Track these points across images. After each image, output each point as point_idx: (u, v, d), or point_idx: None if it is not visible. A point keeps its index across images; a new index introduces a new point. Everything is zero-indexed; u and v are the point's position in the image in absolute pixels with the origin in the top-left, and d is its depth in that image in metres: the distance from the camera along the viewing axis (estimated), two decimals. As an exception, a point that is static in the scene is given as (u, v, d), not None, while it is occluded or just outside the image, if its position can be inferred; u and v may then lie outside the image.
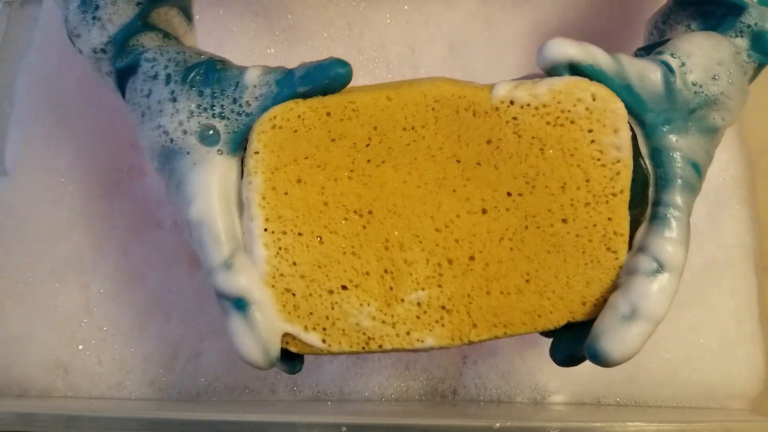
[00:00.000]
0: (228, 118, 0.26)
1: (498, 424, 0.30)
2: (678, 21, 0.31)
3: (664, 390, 0.37)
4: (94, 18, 0.28)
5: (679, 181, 0.26)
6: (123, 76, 0.28)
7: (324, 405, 0.36)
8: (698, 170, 0.26)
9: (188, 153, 0.26)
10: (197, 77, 0.27)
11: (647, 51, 0.29)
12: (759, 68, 0.29)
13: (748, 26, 0.28)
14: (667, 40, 0.29)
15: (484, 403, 0.37)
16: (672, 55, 0.27)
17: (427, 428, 0.31)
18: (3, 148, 0.40)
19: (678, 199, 0.26)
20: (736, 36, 0.28)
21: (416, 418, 0.33)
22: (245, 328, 0.25)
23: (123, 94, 0.29)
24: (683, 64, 0.27)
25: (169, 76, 0.27)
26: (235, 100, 0.26)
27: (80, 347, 0.37)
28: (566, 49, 0.26)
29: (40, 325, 0.37)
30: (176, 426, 0.31)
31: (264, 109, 0.26)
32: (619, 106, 0.26)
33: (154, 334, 0.37)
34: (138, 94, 0.28)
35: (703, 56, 0.27)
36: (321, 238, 0.26)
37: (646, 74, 0.26)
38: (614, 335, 0.25)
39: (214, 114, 0.26)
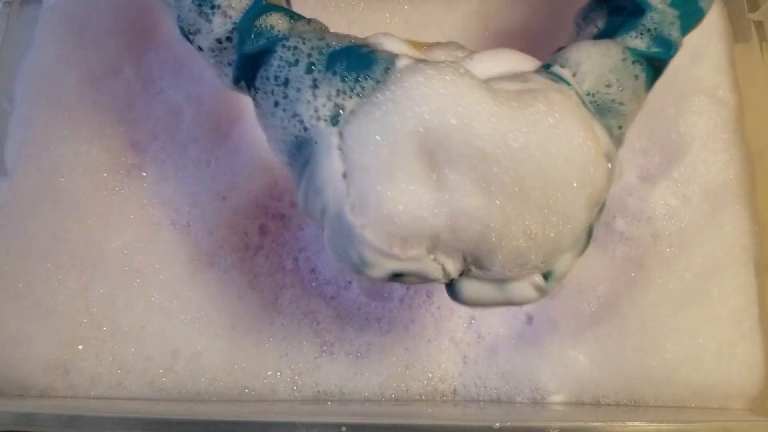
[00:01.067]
0: (363, 96, 0.25)
1: (498, 424, 0.30)
2: (592, 19, 0.30)
3: (663, 390, 0.37)
4: (212, 8, 0.27)
5: None
6: (253, 63, 0.27)
7: (324, 405, 0.36)
8: None
9: (316, 142, 0.25)
10: (342, 65, 0.25)
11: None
12: (657, 69, 0.29)
13: (648, 30, 0.28)
14: (559, 49, 0.28)
15: (484, 403, 0.37)
16: (562, 66, 0.27)
17: (427, 428, 0.31)
18: (3, 148, 0.40)
19: None
20: (637, 36, 0.28)
21: (416, 418, 0.33)
22: None
23: (248, 83, 0.28)
24: (575, 74, 0.27)
25: (311, 64, 0.26)
26: (378, 81, 0.25)
27: (80, 347, 0.37)
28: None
29: (39, 325, 0.37)
30: (177, 426, 0.31)
31: None
32: None
33: (154, 334, 0.37)
34: (272, 82, 0.26)
35: (593, 64, 0.27)
36: None
37: None
38: None
39: (351, 96, 0.25)
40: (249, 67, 0.27)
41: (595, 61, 0.27)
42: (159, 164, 0.40)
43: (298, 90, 0.26)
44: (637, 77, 0.28)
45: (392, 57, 0.26)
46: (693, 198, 0.39)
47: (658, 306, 0.37)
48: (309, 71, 0.26)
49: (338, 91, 0.25)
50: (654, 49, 0.28)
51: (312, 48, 0.26)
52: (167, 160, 0.40)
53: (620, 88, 0.27)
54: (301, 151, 0.26)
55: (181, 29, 0.28)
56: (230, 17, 0.27)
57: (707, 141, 0.40)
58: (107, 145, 0.40)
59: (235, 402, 0.36)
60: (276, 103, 0.26)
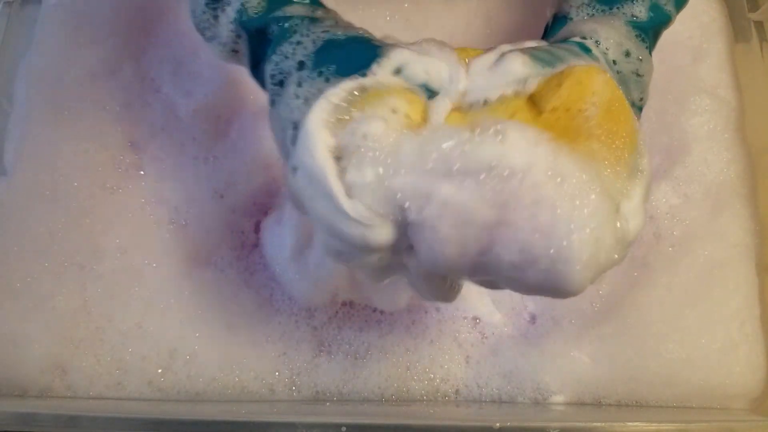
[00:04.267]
0: None
1: (498, 424, 0.30)
2: None
3: (665, 390, 0.37)
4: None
5: None
6: (259, 44, 0.28)
7: (324, 405, 0.36)
8: None
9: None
10: (327, 63, 0.25)
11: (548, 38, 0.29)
12: (656, 35, 0.29)
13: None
14: (562, 22, 0.28)
15: (485, 404, 0.37)
16: (583, 37, 0.27)
17: (427, 428, 0.31)
18: (2, 148, 0.40)
19: None
20: (636, 4, 0.28)
21: (416, 419, 0.33)
22: None
23: (256, 71, 0.28)
24: (597, 44, 0.26)
25: (302, 63, 0.26)
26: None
27: (78, 347, 0.37)
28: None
29: (38, 325, 0.37)
30: (177, 426, 0.31)
31: None
32: None
33: (152, 334, 0.37)
34: (270, 80, 0.27)
35: (608, 33, 0.27)
36: None
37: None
38: None
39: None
40: (256, 49, 0.28)
41: (609, 31, 0.27)
42: (157, 163, 0.40)
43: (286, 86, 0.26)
44: (647, 48, 0.28)
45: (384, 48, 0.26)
46: (694, 197, 0.39)
47: (661, 306, 0.37)
48: (300, 68, 0.26)
49: (320, 90, 0.25)
50: (652, 17, 0.28)
51: (312, 41, 0.26)
52: (165, 158, 0.40)
53: (639, 57, 0.27)
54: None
55: (195, 22, 0.29)
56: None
57: (708, 140, 0.40)
58: (106, 144, 0.40)
59: (234, 402, 0.36)
60: (273, 101, 0.26)
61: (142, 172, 0.40)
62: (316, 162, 0.23)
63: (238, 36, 0.29)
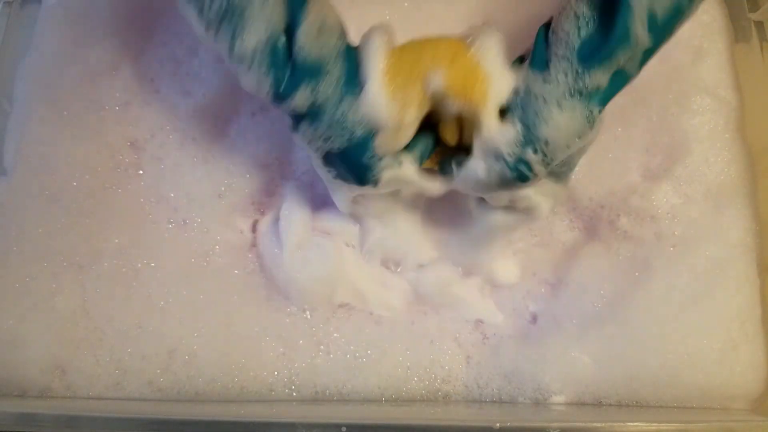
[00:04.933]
0: None
1: (498, 424, 0.30)
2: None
3: (665, 390, 0.36)
4: None
5: None
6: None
7: (324, 405, 0.36)
8: None
9: None
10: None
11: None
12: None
13: (618, 63, 0.28)
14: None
15: (486, 404, 0.37)
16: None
17: (427, 428, 0.31)
18: (2, 148, 0.40)
19: None
20: (603, 70, 0.28)
21: (416, 419, 0.33)
22: None
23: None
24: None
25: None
26: None
27: (77, 347, 0.37)
28: None
29: (37, 325, 0.37)
30: (177, 426, 0.31)
31: None
32: None
33: (151, 334, 0.37)
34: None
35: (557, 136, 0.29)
36: None
37: None
38: None
39: None
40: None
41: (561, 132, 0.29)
42: (156, 163, 0.40)
43: None
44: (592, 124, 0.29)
45: None
46: (695, 197, 0.39)
47: (662, 306, 0.37)
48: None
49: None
50: (615, 86, 0.29)
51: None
52: (165, 158, 0.40)
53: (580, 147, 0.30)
54: None
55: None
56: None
57: (709, 140, 0.40)
58: (105, 144, 0.40)
59: (233, 402, 0.36)
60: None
61: (141, 172, 0.40)
62: None
63: None
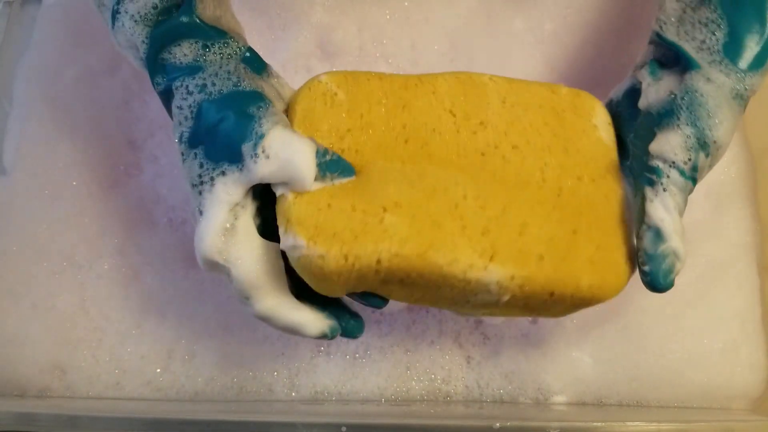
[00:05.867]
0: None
1: (498, 424, 0.30)
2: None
3: (666, 390, 0.36)
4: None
5: None
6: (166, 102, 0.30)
7: (324, 405, 0.36)
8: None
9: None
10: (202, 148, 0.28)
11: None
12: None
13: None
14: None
15: (486, 404, 0.36)
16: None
17: (427, 428, 0.31)
18: (2, 147, 0.40)
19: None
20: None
21: (416, 419, 0.33)
22: None
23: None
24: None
25: (180, 136, 0.28)
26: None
27: (77, 347, 0.37)
28: None
29: (36, 325, 0.37)
30: (176, 426, 0.31)
31: None
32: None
33: (150, 334, 0.37)
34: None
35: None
36: None
37: None
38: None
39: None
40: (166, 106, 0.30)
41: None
42: (155, 162, 0.40)
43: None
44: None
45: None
46: (695, 197, 0.39)
47: (662, 306, 0.37)
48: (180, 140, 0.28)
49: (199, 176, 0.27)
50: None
51: (190, 106, 0.28)
52: (163, 157, 0.40)
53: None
54: None
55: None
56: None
57: (709, 140, 0.40)
58: (104, 143, 0.40)
59: (233, 402, 0.36)
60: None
61: (140, 171, 0.40)
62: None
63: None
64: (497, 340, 0.37)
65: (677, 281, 0.37)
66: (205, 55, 0.28)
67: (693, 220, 0.39)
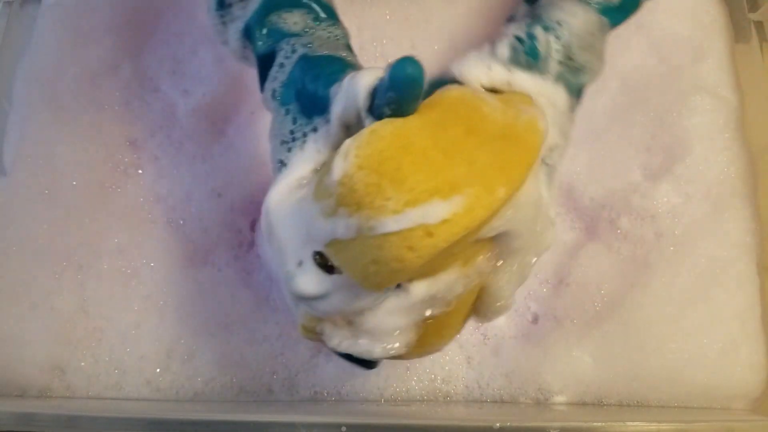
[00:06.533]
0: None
1: (498, 424, 0.30)
2: None
3: (666, 390, 0.36)
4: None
5: None
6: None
7: (324, 405, 0.36)
8: None
9: None
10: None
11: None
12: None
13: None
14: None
15: (486, 404, 0.36)
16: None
17: (427, 428, 0.31)
18: (2, 147, 0.40)
19: None
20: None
21: (416, 419, 0.33)
22: None
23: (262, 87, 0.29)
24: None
25: (274, 92, 0.28)
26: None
27: (77, 347, 0.37)
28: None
29: (36, 325, 0.37)
30: (175, 426, 0.31)
31: None
32: None
33: (150, 334, 0.37)
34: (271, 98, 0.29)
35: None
36: None
37: None
38: None
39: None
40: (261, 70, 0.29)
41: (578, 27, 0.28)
42: (155, 162, 0.40)
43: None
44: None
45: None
46: (695, 196, 0.39)
47: (663, 306, 0.37)
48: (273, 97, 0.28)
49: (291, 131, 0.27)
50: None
51: (292, 63, 0.28)
52: (163, 157, 0.40)
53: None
54: None
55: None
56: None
57: (709, 139, 0.40)
58: (104, 143, 0.40)
59: (232, 402, 0.36)
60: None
61: (140, 171, 0.40)
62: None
63: (245, 47, 0.30)
64: (497, 340, 0.37)
65: (677, 281, 0.38)
66: (314, 28, 0.29)
67: (693, 220, 0.39)
